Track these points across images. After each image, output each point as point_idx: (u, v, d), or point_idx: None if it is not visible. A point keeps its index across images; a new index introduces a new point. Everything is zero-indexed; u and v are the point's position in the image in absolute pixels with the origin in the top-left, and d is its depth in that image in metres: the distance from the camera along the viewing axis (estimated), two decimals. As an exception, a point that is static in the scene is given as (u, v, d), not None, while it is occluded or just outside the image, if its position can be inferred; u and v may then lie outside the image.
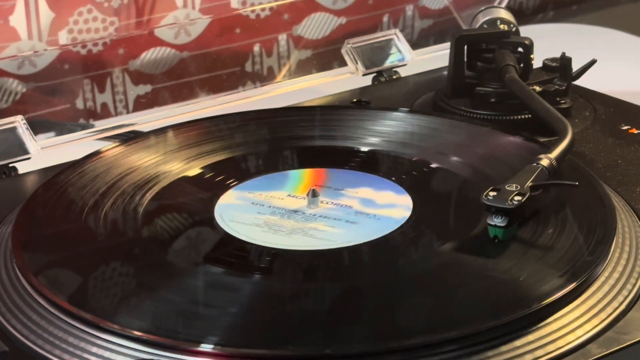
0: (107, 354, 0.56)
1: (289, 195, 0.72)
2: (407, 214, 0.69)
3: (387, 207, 0.70)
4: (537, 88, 0.85)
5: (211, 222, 0.69)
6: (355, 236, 0.66)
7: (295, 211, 0.70)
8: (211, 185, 0.74)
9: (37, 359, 0.58)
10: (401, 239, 0.66)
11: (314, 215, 0.69)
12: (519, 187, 0.65)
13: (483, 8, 0.98)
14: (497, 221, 0.64)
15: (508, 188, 0.65)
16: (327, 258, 0.65)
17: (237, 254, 0.65)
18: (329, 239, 0.66)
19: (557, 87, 0.86)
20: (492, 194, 0.65)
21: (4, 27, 0.90)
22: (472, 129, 0.80)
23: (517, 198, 0.64)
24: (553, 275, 0.60)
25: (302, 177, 0.75)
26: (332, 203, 0.71)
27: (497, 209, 0.64)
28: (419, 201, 0.70)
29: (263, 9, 1.04)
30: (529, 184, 0.66)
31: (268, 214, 0.69)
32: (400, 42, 1.01)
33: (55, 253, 0.65)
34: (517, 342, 0.56)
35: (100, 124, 0.92)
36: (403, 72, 1.00)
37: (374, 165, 0.77)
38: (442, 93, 0.90)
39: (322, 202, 0.71)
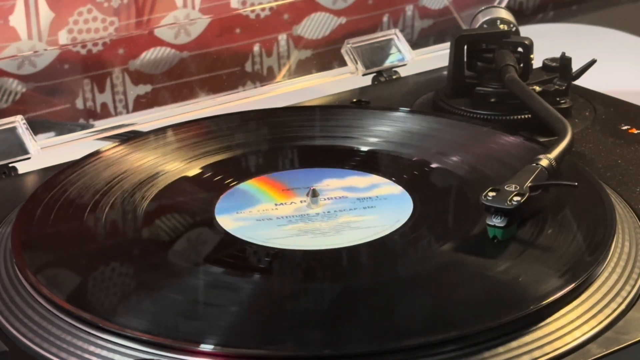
0: (107, 353, 0.57)
1: (276, 205, 0.71)
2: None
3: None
4: (537, 88, 0.85)
5: (211, 221, 0.69)
6: (389, 218, 0.68)
7: (305, 215, 0.70)
8: (211, 185, 0.74)
9: (37, 359, 0.58)
10: (401, 239, 0.66)
11: (327, 212, 0.70)
12: (518, 187, 0.65)
13: (483, 8, 0.98)
14: (497, 221, 0.64)
15: (507, 188, 0.65)
16: (326, 258, 0.65)
17: (236, 253, 0.65)
18: (372, 226, 0.67)
19: (557, 87, 0.86)
20: (491, 194, 0.65)
21: (4, 27, 0.90)
22: (472, 129, 0.80)
23: (517, 198, 0.64)
24: (553, 275, 0.60)
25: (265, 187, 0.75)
26: (329, 199, 0.71)
27: (497, 209, 0.64)
28: (418, 201, 0.70)
29: (263, 9, 1.04)
30: (528, 184, 0.66)
31: (287, 223, 0.69)
32: (400, 42, 1.02)
33: (55, 253, 0.65)
34: (517, 343, 0.56)
35: (100, 124, 0.92)
36: (403, 72, 1.00)
37: (374, 165, 0.77)
38: (442, 93, 0.90)
39: (321, 200, 0.71)
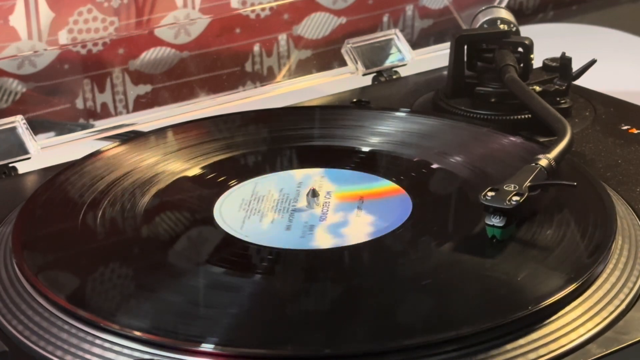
0: (107, 353, 0.57)
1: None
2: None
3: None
4: (537, 88, 0.85)
5: (211, 221, 0.69)
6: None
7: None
8: (211, 185, 0.74)
9: (37, 359, 0.58)
10: (401, 239, 0.66)
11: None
12: (517, 187, 0.65)
13: (483, 8, 0.98)
14: (495, 221, 0.64)
15: (506, 188, 0.65)
16: (326, 258, 0.65)
17: (237, 253, 0.65)
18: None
19: (557, 87, 0.86)
20: (490, 194, 0.65)
21: (4, 27, 0.90)
22: (472, 129, 0.80)
23: (515, 198, 0.64)
24: (552, 275, 0.60)
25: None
26: (329, 199, 0.71)
27: (495, 209, 0.64)
28: (418, 201, 0.70)
29: (263, 9, 1.04)
30: (527, 184, 0.66)
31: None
32: (400, 42, 1.02)
33: (55, 253, 0.65)
34: (517, 343, 0.56)
35: (100, 124, 0.92)
36: (403, 72, 1.00)
37: (374, 165, 0.77)
38: (442, 93, 0.90)
39: (321, 200, 0.71)
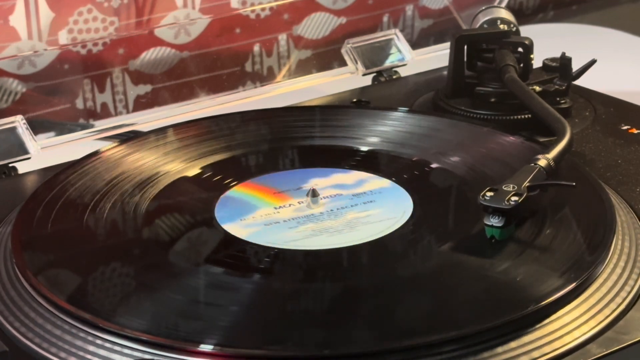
0: (106, 353, 0.57)
1: (275, 208, 0.71)
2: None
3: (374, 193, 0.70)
4: (537, 88, 0.85)
5: (211, 221, 0.69)
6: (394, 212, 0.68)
7: (310, 215, 0.70)
8: (211, 185, 0.74)
9: (37, 359, 0.58)
10: (400, 239, 0.66)
11: (331, 211, 0.70)
12: (516, 187, 0.65)
13: (483, 8, 0.98)
14: (494, 221, 0.64)
15: (505, 188, 0.65)
16: (326, 258, 0.65)
17: (237, 253, 0.65)
18: (382, 219, 0.67)
19: (557, 87, 0.86)
20: (489, 194, 0.65)
21: (4, 27, 0.90)
22: (472, 129, 0.80)
23: (514, 198, 0.64)
24: (552, 275, 0.61)
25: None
26: (326, 198, 0.71)
27: (494, 209, 0.64)
28: (418, 201, 0.70)
29: (263, 9, 1.04)
30: (526, 184, 0.66)
31: (297, 225, 0.68)
32: (400, 42, 1.02)
33: (55, 253, 0.65)
34: (517, 342, 0.56)
35: (100, 124, 0.92)
36: (403, 72, 1.00)
37: (374, 165, 0.77)
38: (442, 93, 0.90)
39: (320, 200, 0.71)
